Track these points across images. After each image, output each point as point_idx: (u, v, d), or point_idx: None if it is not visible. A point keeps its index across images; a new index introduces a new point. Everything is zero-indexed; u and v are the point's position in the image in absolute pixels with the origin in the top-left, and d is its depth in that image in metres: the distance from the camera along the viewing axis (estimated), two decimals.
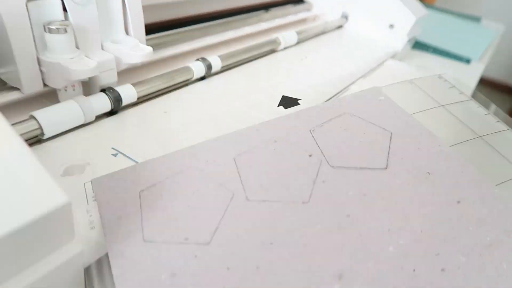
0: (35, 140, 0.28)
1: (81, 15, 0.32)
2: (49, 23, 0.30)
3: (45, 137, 0.27)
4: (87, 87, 0.35)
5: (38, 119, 0.27)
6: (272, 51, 0.51)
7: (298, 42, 0.55)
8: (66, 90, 0.32)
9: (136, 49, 0.35)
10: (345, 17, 0.68)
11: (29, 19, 0.29)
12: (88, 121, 0.31)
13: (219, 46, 0.51)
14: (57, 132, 0.28)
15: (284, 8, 0.67)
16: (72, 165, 0.26)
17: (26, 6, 0.29)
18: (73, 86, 0.33)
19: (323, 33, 0.62)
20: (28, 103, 0.33)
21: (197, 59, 0.40)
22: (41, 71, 0.31)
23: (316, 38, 0.60)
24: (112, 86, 0.33)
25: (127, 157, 0.28)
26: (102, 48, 0.35)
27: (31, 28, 0.29)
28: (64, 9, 0.31)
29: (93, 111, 0.31)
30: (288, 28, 0.62)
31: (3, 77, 0.32)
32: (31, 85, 0.31)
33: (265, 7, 0.65)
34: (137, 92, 0.34)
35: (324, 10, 0.71)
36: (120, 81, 0.35)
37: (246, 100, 0.37)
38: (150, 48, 0.35)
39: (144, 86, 0.35)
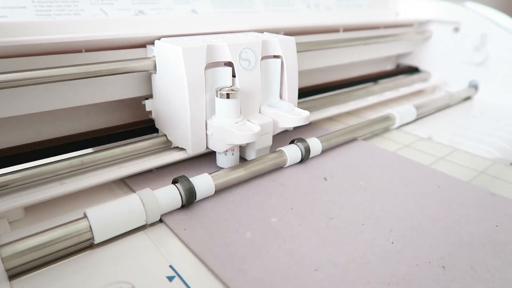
0: (88, 243, 0.25)
1: (247, 80, 0.33)
2: (221, 88, 0.31)
3: (95, 242, 0.24)
4: (242, 150, 0.35)
5: (90, 220, 0.24)
6: (385, 130, 0.47)
7: (417, 118, 0.50)
8: (225, 154, 0.33)
9: (293, 113, 0.34)
10: (474, 86, 0.61)
11: (205, 84, 0.30)
12: (151, 221, 0.27)
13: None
14: (110, 236, 0.25)
15: (395, 79, 0.62)
16: None
17: (205, 73, 0.30)
18: (233, 150, 0.33)
19: (447, 106, 0.56)
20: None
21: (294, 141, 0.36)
22: (206, 134, 0.32)
23: (439, 112, 0.54)
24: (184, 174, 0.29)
25: (186, 284, 0.22)
26: (260, 112, 0.35)
27: (205, 93, 0.31)
28: (233, 75, 0.33)
29: (159, 209, 0.27)
30: (402, 102, 0.57)
31: (170, 138, 0.34)
32: (196, 147, 0.32)
33: (373, 78, 0.62)
34: (216, 184, 0.30)
35: (445, 80, 0.64)
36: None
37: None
38: (307, 112, 0.34)
39: (223, 177, 0.31)
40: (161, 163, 0.33)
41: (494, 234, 0.27)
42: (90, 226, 0.24)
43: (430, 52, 0.66)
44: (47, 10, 0.34)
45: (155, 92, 0.34)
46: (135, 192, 0.27)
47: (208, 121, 0.32)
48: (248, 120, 0.33)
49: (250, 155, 0.35)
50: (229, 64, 0.33)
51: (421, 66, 0.68)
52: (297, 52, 0.45)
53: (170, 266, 0.23)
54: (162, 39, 0.33)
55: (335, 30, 0.51)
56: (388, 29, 0.60)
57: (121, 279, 0.22)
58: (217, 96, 0.31)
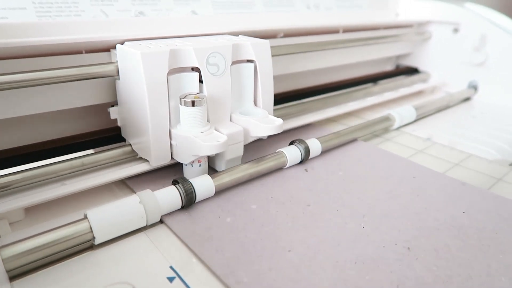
0: (88, 244, 0.25)
1: (215, 86, 0.31)
2: (185, 96, 0.29)
3: (96, 243, 0.24)
4: (212, 160, 0.34)
5: (91, 222, 0.24)
6: (385, 130, 0.47)
7: (417, 119, 0.50)
8: (192, 165, 0.31)
9: (266, 120, 0.33)
10: (473, 87, 0.61)
11: (168, 91, 0.29)
12: (151, 222, 0.26)
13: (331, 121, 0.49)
14: (110, 237, 0.25)
15: (395, 79, 0.62)
16: None
17: (168, 79, 0.29)
18: (199, 161, 0.31)
19: (447, 107, 0.56)
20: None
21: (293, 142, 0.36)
22: (171, 144, 0.31)
23: (439, 113, 0.54)
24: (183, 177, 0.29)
25: (186, 285, 0.22)
26: (231, 120, 0.34)
27: (168, 100, 0.29)
28: (200, 81, 0.31)
29: (159, 210, 0.26)
30: (402, 103, 0.56)
31: (134, 148, 0.32)
32: (159, 158, 0.31)
33: (373, 79, 0.62)
34: (216, 185, 0.29)
35: (444, 80, 0.64)
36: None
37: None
38: (281, 120, 0.33)
39: (223, 179, 0.30)
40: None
41: (460, 219, 0.28)
42: (91, 227, 0.24)
43: (429, 53, 0.66)
44: (48, 11, 0.34)
45: (119, 99, 0.33)
46: (135, 193, 0.27)
47: (172, 130, 0.30)
48: (216, 129, 0.31)
49: (220, 166, 0.33)
50: (197, 69, 0.31)
51: (420, 66, 0.68)
52: (297, 53, 0.45)
53: (171, 267, 0.23)
54: (125, 43, 0.31)
55: (335, 31, 0.51)
56: (388, 30, 0.60)
57: (122, 280, 0.22)
58: (181, 104, 0.29)
